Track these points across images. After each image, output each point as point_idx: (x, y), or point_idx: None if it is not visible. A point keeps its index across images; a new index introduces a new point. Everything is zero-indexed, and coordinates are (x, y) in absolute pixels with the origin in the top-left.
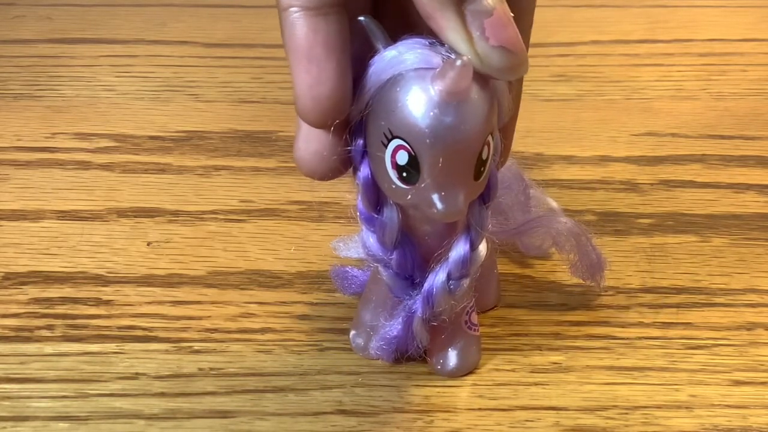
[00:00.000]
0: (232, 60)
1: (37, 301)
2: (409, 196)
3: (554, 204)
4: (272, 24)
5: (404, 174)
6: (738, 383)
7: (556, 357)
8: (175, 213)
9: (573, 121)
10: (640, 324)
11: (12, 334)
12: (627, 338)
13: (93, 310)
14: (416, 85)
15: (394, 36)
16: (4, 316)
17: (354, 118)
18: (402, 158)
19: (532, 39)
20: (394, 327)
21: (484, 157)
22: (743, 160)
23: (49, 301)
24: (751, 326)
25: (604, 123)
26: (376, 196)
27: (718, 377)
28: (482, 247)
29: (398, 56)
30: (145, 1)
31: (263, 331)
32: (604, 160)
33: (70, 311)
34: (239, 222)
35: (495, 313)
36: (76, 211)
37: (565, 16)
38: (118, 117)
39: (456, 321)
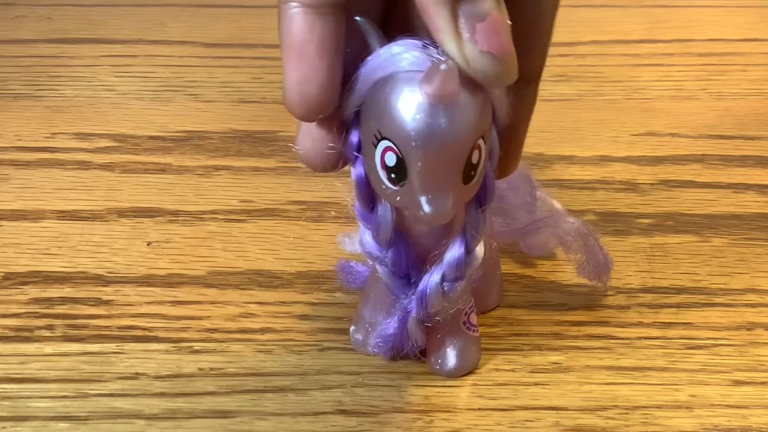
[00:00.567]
0: (232, 60)
1: (37, 301)
2: (398, 197)
3: (559, 206)
4: (272, 24)
5: (393, 175)
6: (738, 383)
7: (556, 357)
8: (175, 213)
9: (573, 121)
10: (640, 324)
11: (12, 334)
12: (627, 338)
13: (93, 310)
14: (405, 88)
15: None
16: (4, 316)
17: (349, 116)
18: (390, 159)
19: None
20: (390, 325)
21: (474, 161)
22: (743, 160)
23: (49, 301)
24: (751, 326)
25: (604, 123)
26: (370, 193)
27: (718, 377)
28: (479, 250)
29: (390, 57)
30: (145, 1)
31: (263, 331)
32: (604, 160)
33: (70, 311)
34: (239, 222)
35: (495, 313)
36: (76, 211)
37: (565, 16)
38: (118, 117)
39: (454, 321)
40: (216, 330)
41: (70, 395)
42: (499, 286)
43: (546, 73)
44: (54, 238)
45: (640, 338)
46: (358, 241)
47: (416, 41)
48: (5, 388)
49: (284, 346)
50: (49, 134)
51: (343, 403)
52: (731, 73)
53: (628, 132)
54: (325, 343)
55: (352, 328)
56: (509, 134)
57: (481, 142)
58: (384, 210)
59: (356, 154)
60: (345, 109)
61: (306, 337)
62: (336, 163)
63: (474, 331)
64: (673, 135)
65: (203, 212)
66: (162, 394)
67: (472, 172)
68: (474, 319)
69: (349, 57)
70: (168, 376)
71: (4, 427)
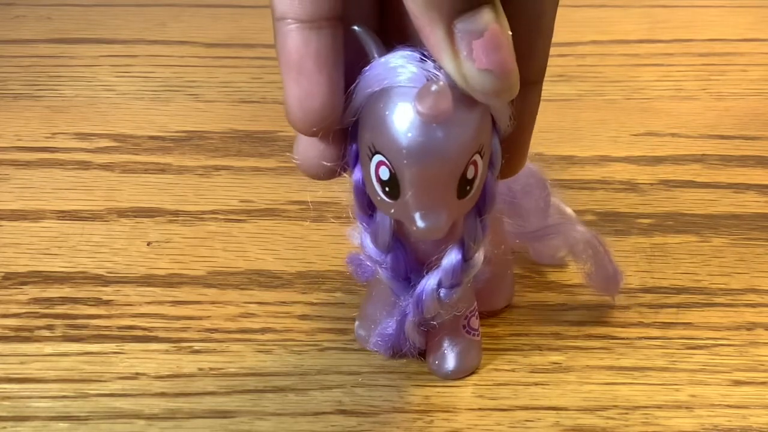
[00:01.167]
0: (232, 60)
1: (37, 301)
2: (393, 210)
3: (573, 214)
4: (272, 24)
5: (387, 189)
6: (738, 383)
7: (556, 357)
8: (175, 213)
9: (573, 121)
10: (640, 324)
11: (12, 334)
12: (627, 338)
13: (93, 310)
14: (398, 104)
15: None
16: (4, 316)
17: (348, 124)
18: (384, 174)
19: None
20: (389, 325)
21: (469, 176)
22: (743, 160)
23: (49, 301)
24: (751, 326)
25: (604, 123)
26: (368, 200)
27: (718, 377)
28: (478, 257)
29: (386, 71)
30: (145, 1)
31: (263, 331)
32: (604, 160)
33: (70, 311)
34: (239, 222)
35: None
36: (76, 211)
37: (565, 16)
38: (118, 117)
39: (454, 325)
40: (216, 330)
41: (70, 395)
42: (511, 285)
43: (546, 73)
44: (54, 238)
45: (640, 338)
46: (360, 243)
47: (414, 53)
48: (5, 388)
49: (284, 346)
50: (49, 134)
51: (343, 403)
52: (731, 73)
53: (628, 132)
54: (325, 343)
55: (356, 323)
56: (514, 138)
57: (477, 157)
58: (382, 216)
59: (354, 161)
60: (343, 119)
61: (306, 337)
62: (334, 171)
63: (474, 335)
64: (673, 135)
65: (203, 212)
66: (162, 394)
67: (468, 187)
68: (475, 323)
69: (348, 66)
70: (168, 376)
71: (4, 427)
